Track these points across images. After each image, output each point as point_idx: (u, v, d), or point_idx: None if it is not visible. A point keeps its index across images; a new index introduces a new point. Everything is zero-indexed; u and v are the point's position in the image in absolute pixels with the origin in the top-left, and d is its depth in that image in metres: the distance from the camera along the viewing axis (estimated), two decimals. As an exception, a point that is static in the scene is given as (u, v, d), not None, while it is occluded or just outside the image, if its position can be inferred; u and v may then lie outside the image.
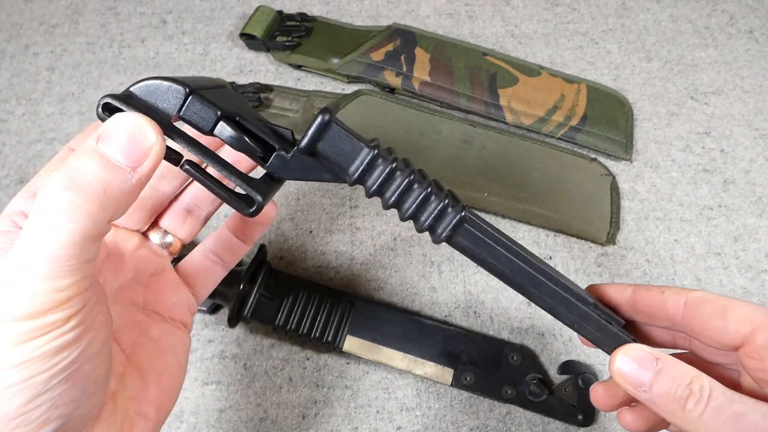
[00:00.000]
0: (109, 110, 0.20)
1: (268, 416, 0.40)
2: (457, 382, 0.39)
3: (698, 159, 0.50)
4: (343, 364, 0.41)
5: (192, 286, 0.28)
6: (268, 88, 0.52)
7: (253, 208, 0.22)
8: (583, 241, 0.46)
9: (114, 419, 0.21)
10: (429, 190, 0.24)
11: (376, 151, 0.23)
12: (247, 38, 0.54)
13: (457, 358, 0.40)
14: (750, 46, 0.57)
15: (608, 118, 0.51)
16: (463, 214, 0.24)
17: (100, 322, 0.19)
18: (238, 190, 0.22)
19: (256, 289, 0.40)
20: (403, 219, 0.24)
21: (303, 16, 0.56)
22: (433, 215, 0.24)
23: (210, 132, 0.21)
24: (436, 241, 0.25)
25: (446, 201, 0.24)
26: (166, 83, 0.20)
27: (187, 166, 0.21)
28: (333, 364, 0.41)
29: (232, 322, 0.39)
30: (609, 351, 0.26)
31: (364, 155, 0.23)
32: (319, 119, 0.22)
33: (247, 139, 0.22)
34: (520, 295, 0.43)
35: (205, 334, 0.42)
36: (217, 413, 0.40)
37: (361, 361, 0.41)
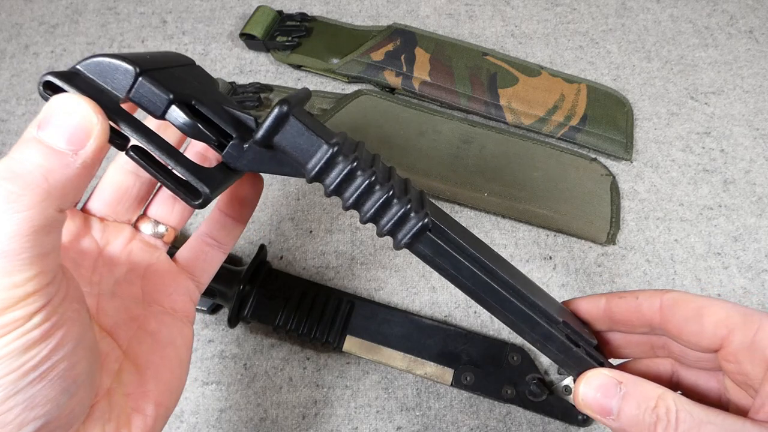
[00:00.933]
0: (51, 89, 0.18)
1: (268, 416, 0.40)
2: (457, 382, 0.39)
3: (698, 159, 0.50)
4: (343, 364, 0.41)
5: (192, 273, 0.28)
6: (268, 88, 0.52)
7: (199, 201, 0.21)
8: (583, 241, 0.46)
9: (109, 417, 0.21)
10: (390, 193, 0.23)
11: (335, 149, 0.22)
12: (247, 38, 0.54)
13: (457, 358, 0.40)
14: (750, 46, 0.57)
15: (608, 118, 0.51)
16: (425, 221, 0.23)
17: (70, 318, 0.18)
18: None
19: (256, 289, 0.40)
20: (362, 222, 0.23)
21: (303, 16, 0.56)
22: (392, 221, 0.23)
23: (161, 116, 0.20)
24: (396, 247, 0.23)
25: (408, 206, 0.23)
26: (115, 62, 0.19)
27: (132, 153, 0.20)
28: (333, 364, 0.41)
29: (232, 322, 0.39)
30: (574, 375, 0.25)
31: (323, 152, 0.22)
32: (275, 111, 0.21)
33: (200, 125, 0.21)
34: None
35: (205, 334, 0.42)
36: (217, 413, 0.40)
37: (361, 361, 0.41)
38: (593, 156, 0.50)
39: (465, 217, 0.47)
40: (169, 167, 0.21)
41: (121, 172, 0.26)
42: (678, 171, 0.50)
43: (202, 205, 0.21)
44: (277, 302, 0.40)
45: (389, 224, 0.23)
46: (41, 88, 0.18)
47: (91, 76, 0.19)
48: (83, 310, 0.19)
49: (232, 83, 0.52)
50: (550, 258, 0.45)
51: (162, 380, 0.24)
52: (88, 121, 0.17)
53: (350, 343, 0.40)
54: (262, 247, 0.42)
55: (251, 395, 0.40)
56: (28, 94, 0.53)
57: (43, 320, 0.17)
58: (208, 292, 0.40)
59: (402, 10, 0.58)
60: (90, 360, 0.19)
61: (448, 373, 0.39)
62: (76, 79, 0.19)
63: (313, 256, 0.45)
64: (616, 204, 0.47)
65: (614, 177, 0.49)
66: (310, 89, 0.53)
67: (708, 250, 0.46)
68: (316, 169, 0.22)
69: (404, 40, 0.53)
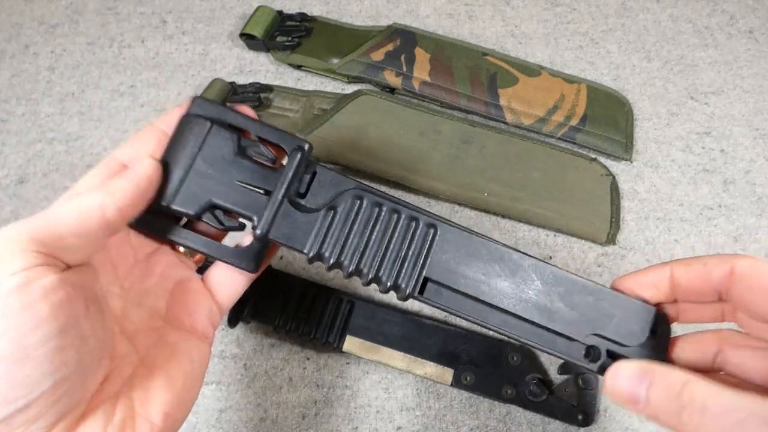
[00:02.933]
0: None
1: (268, 416, 0.40)
2: (457, 382, 0.39)
3: (698, 159, 0.50)
4: (343, 364, 0.41)
5: (216, 295, 0.28)
6: (268, 88, 0.52)
7: (249, 269, 0.27)
8: (583, 241, 0.46)
9: (113, 419, 0.21)
10: (384, 254, 0.26)
11: (312, 254, 0.25)
12: (247, 38, 0.54)
13: (457, 358, 0.40)
14: (750, 46, 0.57)
15: (608, 118, 0.51)
16: (410, 292, 0.26)
17: (60, 296, 0.19)
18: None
19: (256, 289, 0.40)
20: (367, 281, 0.26)
21: (303, 16, 0.56)
22: (392, 277, 0.25)
23: (197, 217, 0.26)
24: (402, 298, 0.26)
25: (392, 282, 0.26)
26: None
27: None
28: (333, 364, 0.41)
29: (232, 322, 0.39)
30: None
31: (309, 246, 0.26)
32: (260, 239, 0.26)
33: (225, 223, 0.26)
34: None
35: (205, 334, 0.42)
36: (217, 413, 0.40)
37: (361, 361, 0.41)
38: (593, 156, 0.50)
39: (465, 217, 0.47)
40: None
41: None
42: (678, 171, 0.50)
43: (254, 270, 0.27)
44: (277, 302, 0.40)
45: (389, 281, 0.26)
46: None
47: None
48: (80, 298, 0.20)
49: (232, 83, 0.52)
50: (550, 258, 0.45)
51: (174, 391, 0.24)
52: (147, 165, 0.24)
53: (350, 343, 0.40)
54: (262, 247, 0.42)
55: (251, 395, 0.40)
56: (28, 94, 0.53)
57: (23, 284, 0.18)
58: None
59: (402, 10, 0.58)
60: (81, 349, 0.19)
61: (448, 373, 0.39)
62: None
63: (313, 256, 0.45)
64: (616, 204, 0.47)
65: (614, 177, 0.49)
66: (311, 89, 0.53)
67: (708, 250, 0.46)
68: (314, 251, 0.26)
69: (404, 40, 0.53)
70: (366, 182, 0.47)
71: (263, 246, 0.27)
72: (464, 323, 0.43)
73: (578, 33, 0.58)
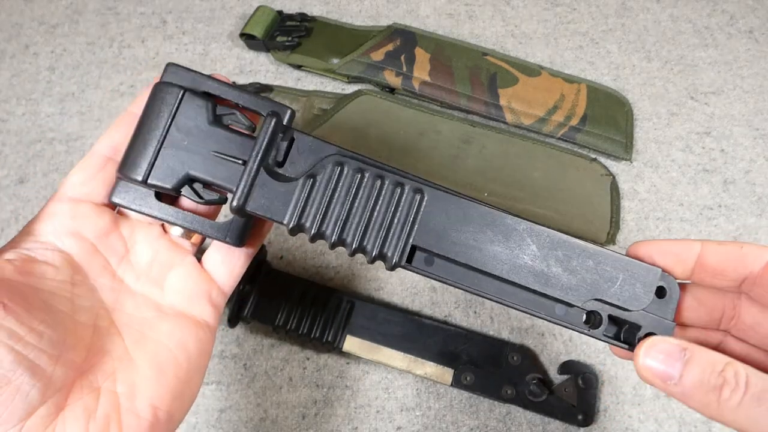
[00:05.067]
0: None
1: (268, 416, 0.40)
2: (457, 382, 0.39)
3: (698, 159, 0.50)
4: (343, 364, 0.41)
5: (216, 277, 0.27)
6: (268, 88, 0.52)
7: (235, 243, 0.26)
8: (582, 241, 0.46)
9: (93, 414, 0.21)
10: (368, 219, 0.25)
11: (293, 225, 0.24)
12: (247, 38, 0.54)
13: (457, 358, 0.40)
14: (750, 46, 0.57)
15: (608, 118, 0.51)
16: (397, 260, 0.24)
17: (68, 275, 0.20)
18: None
19: (256, 289, 0.40)
20: (351, 251, 0.25)
21: (303, 16, 0.56)
22: (377, 244, 0.24)
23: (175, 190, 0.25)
24: (390, 267, 0.25)
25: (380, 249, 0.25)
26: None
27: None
28: (333, 364, 0.41)
29: (232, 322, 0.39)
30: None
31: (289, 211, 0.24)
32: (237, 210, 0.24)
33: (205, 196, 0.25)
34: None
35: (205, 334, 0.42)
36: (217, 413, 0.40)
37: (361, 361, 0.41)
38: (593, 156, 0.50)
39: (465, 217, 0.47)
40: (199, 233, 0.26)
41: None
42: (678, 171, 0.50)
43: (241, 246, 0.27)
44: (277, 302, 0.40)
45: (375, 249, 0.24)
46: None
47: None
48: (90, 286, 0.21)
49: (232, 83, 0.52)
50: (550, 258, 0.45)
51: (165, 384, 0.24)
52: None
53: (350, 343, 0.40)
54: (261, 247, 0.42)
55: (251, 395, 0.40)
56: (28, 94, 0.53)
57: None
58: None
59: (402, 10, 0.58)
60: (86, 301, 0.21)
61: (448, 373, 0.39)
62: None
63: (313, 256, 0.45)
64: (616, 204, 0.47)
65: (614, 177, 0.49)
66: (311, 89, 0.53)
67: (708, 250, 0.46)
68: (294, 220, 0.24)
69: (404, 40, 0.53)
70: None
71: (247, 219, 0.26)
72: (464, 323, 0.43)
73: (578, 33, 0.58)
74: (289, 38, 0.54)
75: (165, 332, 0.25)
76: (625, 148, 0.50)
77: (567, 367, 0.40)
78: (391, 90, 0.52)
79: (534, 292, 0.24)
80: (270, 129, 0.24)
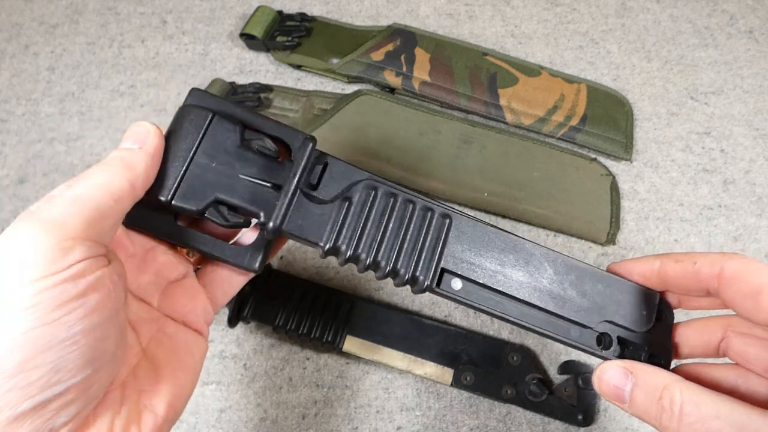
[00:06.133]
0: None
1: (268, 416, 0.40)
2: (457, 382, 0.39)
3: (698, 159, 0.50)
4: (343, 364, 0.41)
5: (212, 293, 0.28)
6: (268, 88, 0.52)
7: (255, 273, 0.26)
8: (583, 241, 0.46)
9: (120, 409, 0.21)
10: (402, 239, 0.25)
11: (327, 247, 0.24)
12: (247, 38, 0.54)
13: (457, 358, 0.40)
14: (750, 46, 0.57)
15: (608, 118, 0.51)
16: (429, 283, 0.25)
17: (108, 288, 0.19)
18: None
19: (256, 289, 0.40)
20: (384, 275, 0.25)
21: (303, 16, 0.56)
22: (410, 269, 0.24)
23: (201, 213, 0.24)
24: (420, 290, 0.25)
25: (416, 269, 0.25)
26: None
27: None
28: (333, 364, 0.41)
29: (232, 322, 0.39)
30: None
31: (326, 238, 0.24)
32: (273, 229, 0.24)
33: (230, 219, 0.25)
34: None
35: (205, 334, 0.42)
36: (217, 413, 0.40)
37: (361, 361, 0.41)
38: (593, 156, 0.50)
39: (465, 217, 0.47)
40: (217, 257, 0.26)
41: None
42: (678, 171, 0.50)
43: (256, 271, 0.26)
44: (277, 302, 0.40)
45: (408, 272, 0.24)
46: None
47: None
48: (121, 289, 0.20)
49: (232, 83, 0.52)
50: (550, 258, 0.45)
51: (177, 384, 0.24)
52: (147, 131, 0.23)
53: (350, 343, 0.40)
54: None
55: (251, 395, 0.40)
56: (28, 94, 0.53)
57: (80, 274, 0.18)
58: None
59: (402, 10, 0.58)
60: (118, 340, 0.20)
61: (448, 373, 0.39)
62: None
63: (313, 256, 0.45)
64: (616, 204, 0.47)
65: (614, 177, 0.49)
66: (311, 89, 0.53)
67: (708, 250, 0.46)
68: (330, 244, 0.24)
69: (404, 40, 0.53)
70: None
71: (268, 243, 0.26)
72: (464, 323, 0.43)
73: (578, 33, 0.58)
74: (289, 38, 0.54)
75: (171, 335, 0.25)
76: (625, 148, 0.50)
77: (567, 367, 0.40)
78: (391, 90, 0.52)
79: (552, 314, 0.25)
80: (308, 152, 0.25)
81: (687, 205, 0.48)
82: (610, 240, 0.46)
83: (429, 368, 0.39)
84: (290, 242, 0.45)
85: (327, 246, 0.24)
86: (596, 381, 0.24)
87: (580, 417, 0.39)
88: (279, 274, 0.42)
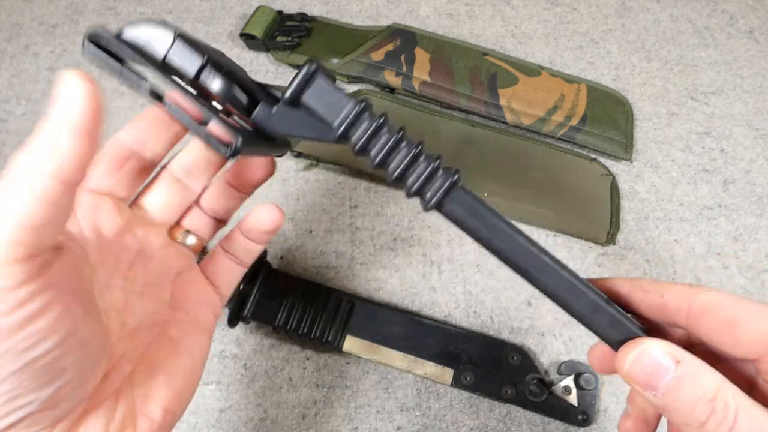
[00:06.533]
0: (97, 45, 0.20)
1: (268, 416, 0.40)
2: (457, 382, 0.39)
3: (698, 159, 0.50)
4: (343, 364, 0.41)
5: (215, 285, 0.28)
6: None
7: (231, 149, 0.21)
8: (583, 241, 0.46)
9: (113, 416, 0.21)
10: (418, 149, 0.22)
11: (363, 105, 0.22)
12: (247, 38, 0.54)
13: (457, 358, 0.40)
14: (750, 46, 0.57)
15: (608, 118, 0.51)
16: (455, 177, 0.22)
17: (57, 310, 0.17)
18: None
19: (255, 289, 0.40)
20: (390, 180, 0.23)
21: (303, 16, 0.56)
22: (422, 177, 0.22)
23: (195, 77, 0.21)
24: (426, 208, 0.23)
25: (437, 162, 0.22)
26: (154, 28, 0.21)
27: (169, 102, 0.21)
28: (333, 364, 0.41)
29: (232, 322, 0.39)
30: (615, 348, 0.22)
31: (350, 108, 0.22)
32: (305, 68, 0.21)
33: (233, 88, 0.22)
34: (521, 295, 0.44)
35: (205, 334, 0.42)
36: (217, 413, 0.40)
37: (361, 361, 0.41)
38: (593, 156, 0.50)
39: (465, 217, 0.47)
40: (204, 117, 0.21)
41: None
42: (678, 171, 0.50)
43: (233, 155, 0.21)
44: (277, 302, 0.40)
45: (418, 182, 0.22)
46: (85, 43, 0.20)
47: (133, 40, 0.20)
48: (77, 303, 0.18)
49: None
50: (550, 258, 0.45)
51: (174, 387, 0.24)
52: (75, 90, 0.17)
53: (350, 343, 0.40)
54: (262, 247, 0.42)
55: (251, 395, 0.40)
56: (28, 94, 0.53)
57: (22, 302, 0.16)
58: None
59: (402, 10, 0.58)
60: (80, 354, 0.19)
61: (448, 373, 0.39)
62: (118, 40, 0.20)
63: (313, 256, 0.45)
64: (616, 204, 0.47)
65: (614, 177, 0.49)
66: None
67: (708, 250, 0.46)
68: (344, 125, 0.22)
69: (404, 40, 0.53)
70: (365, 182, 0.47)
71: (259, 138, 0.23)
72: (464, 323, 0.43)
73: (578, 33, 0.58)
74: (289, 38, 0.54)
75: (172, 336, 0.25)
76: (625, 148, 0.50)
77: (567, 367, 0.40)
78: (391, 90, 0.52)
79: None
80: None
81: (687, 205, 0.48)
82: (610, 240, 0.46)
83: (429, 368, 0.39)
84: (290, 243, 0.45)
85: (341, 128, 0.22)
86: (629, 358, 0.20)
87: (580, 417, 0.39)
88: (279, 274, 0.42)
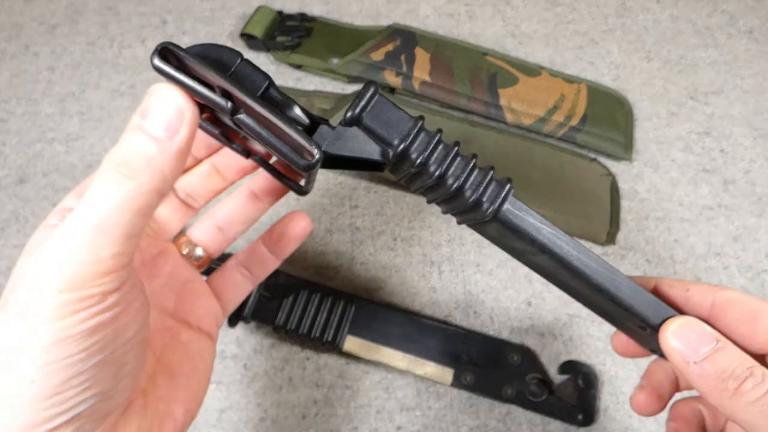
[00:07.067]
0: (164, 57, 0.19)
1: (268, 416, 0.40)
2: (457, 382, 0.39)
3: (698, 159, 0.50)
4: (343, 364, 0.41)
5: (220, 298, 0.28)
6: (268, 88, 0.52)
7: (311, 161, 0.21)
8: (583, 241, 0.46)
9: (146, 414, 0.21)
10: (474, 161, 0.23)
11: (420, 123, 0.23)
12: (248, 38, 0.54)
13: (457, 358, 0.40)
14: (750, 46, 0.57)
15: (608, 118, 0.51)
16: (510, 185, 0.23)
17: (135, 309, 0.19)
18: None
19: (256, 289, 0.40)
20: (446, 194, 0.23)
21: (303, 16, 0.56)
22: (481, 186, 0.23)
23: (261, 95, 0.22)
24: (482, 219, 0.24)
25: (492, 171, 0.24)
26: (221, 48, 0.21)
27: (240, 117, 0.21)
28: (333, 364, 0.41)
29: (232, 322, 0.39)
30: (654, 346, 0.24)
31: (410, 126, 0.23)
32: (369, 90, 0.22)
33: (297, 107, 0.22)
34: (521, 295, 0.44)
35: (205, 334, 0.42)
36: (217, 413, 0.40)
37: (361, 361, 0.41)
38: (593, 156, 0.50)
39: (465, 217, 0.47)
40: (280, 128, 0.21)
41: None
42: (678, 171, 0.50)
43: (311, 167, 0.21)
44: (277, 302, 0.40)
45: (476, 193, 0.23)
46: (156, 58, 0.19)
47: (197, 57, 0.20)
48: (146, 305, 0.20)
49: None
50: (550, 258, 0.45)
51: (192, 389, 0.24)
52: (181, 111, 0.18)
53: (350, 343, 0.40)
54: (262, 247, 0.42)
55: (251, 395, 0.40)
56: (28, 94, 0.53)
57: (115, 303, 0.18)
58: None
59: (402, 10, 0.58)
60: (139, 351, 0.20)
61: (448, 373, 0.39)
62: (187, 56, 0.20)
63: (313, 256, 0.45)
64: (616, 204, 0.47)
65: (614, 177, 0.49)
66: (311, 89, 0.53)
67: (708, 250, 0.46)
68: (405, 143, 0.23)
69: (404, 40, 0.53)
70: (365, 182, 0.47)
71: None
72: (464, 323, 0.43)
73: (578, 33, 0.58)
74: (289, 38, 0.54)
75: (184, 341, 0.25)
76: (625, 148, 0.50)
77: (567, 367, 0.40)
78: (391, 90, 0.52)
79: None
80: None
81: (687, 205, 0.48)
82: (610, 240, 0.46)
83: (429, 368, 0.39)
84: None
85: (402, 146, 0.22)
86: (670, 333, 0.22)
87: (580, 417, 0.39)
88: (279, 274, 0.42)
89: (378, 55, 0.52)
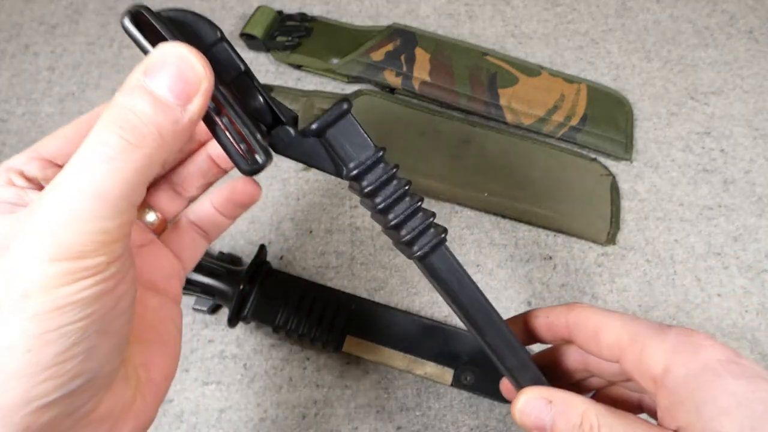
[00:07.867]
0: (136, 23, 0.18)
1: (268, 416, 0.40)
2: (457, 382, 0.39)
3: (698, 159, 0.50)
4: (343, 364, 0.41)
5: (180, 257, 0.27)
6: (268, 88, 0.52)
7: (255, 166, 0.21)
8: (583, 241, 0.46)
9: (128, 383, 0.21)
10: (419, 204, 0.24)
11: (381, 153, 0.23)
12: (247, 38, 0.54)
13: (457, 358, 0.40)
14: (750, 46, 0.57)
15: (608, 118, 0.51)
16: (443, 235, 0.24)
17: (132, 277, 0.19)
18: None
19: (256, 289, 0.40)
20: (385, 227, 0.24)
21: (303, 16, 0.56)
22: (415, 230, 0.24)
23: (231, 82, 0.21)
24: (410, 257, 0.25)
25: (432, 219, 0.24)
26: (200, 19, 0.20)
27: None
28: (333, 364, 0.41)
29: (232, 322, 0.39)
30: (517, 388, 0.26)
31: (369, 154, 0.23)
32: (340, 107, 0.22)
33: (264, 99, 0.21)
34: (521, 295, 0.44)
35: (205, 334, 0.42)
36: (217, 413, 0.40)
37: (361, 361, 0.41)
38: (593, 156, 0.50)
39: (465, 217, 0.47)
40: (237, 126, 0.20)
41: None
42: (678, 171, 0.50)
43: (252, 173, 0.21)
44: (277, 302, 0.40)
45: (410, 234, 0.24)
46: (127, 19, 0.18)
47: (177, 19, 0.19)
48: (135, 273, 0.19)
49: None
50: (550, 258, 0.45)
51: (167, 353, 0.24)
52: (197, 76, 0.17)
53: (350, 343, 0.40)
54: (262, 248, 0.42)
55: (251, 395, 0.40)
56: (28, 94, 0.53)
57: (117, 272, 0.17)
58: (208, 292, 0.40)
59: (402, 10, 0.58)
60: (128, 316, 0.20)
61: (448, 373, 0.39)
62: (166, 22, 0.18)
63: (313, 256, 0.45)
64: (616, 204, 0.47)
65: (614, 177, 0.49)
66: (311, 89, 0.53)
67: (708, 250, 0.46)
68: (359, 168, 0.23)
69: (404, 40, 0.53)
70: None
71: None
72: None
73: (578, 33, 0.58)
74: (289, 38, 0.54)
75: (154, 308, 0.25)
76: (625, 148, 0.50)
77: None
78: (391, 90, 0.52)
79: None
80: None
81: (687, 205, 0.48)
82: (610, 240, 0.46)
83: (429, 368, 0.39)
84: (290, 242, 0.45)
85: (355, 171, 0.22)
86: (518, 414, 0.24)
87: (580, 417, 0.39)
88: (279, 274, 0.42)
89: (378, 55, 0.52)
